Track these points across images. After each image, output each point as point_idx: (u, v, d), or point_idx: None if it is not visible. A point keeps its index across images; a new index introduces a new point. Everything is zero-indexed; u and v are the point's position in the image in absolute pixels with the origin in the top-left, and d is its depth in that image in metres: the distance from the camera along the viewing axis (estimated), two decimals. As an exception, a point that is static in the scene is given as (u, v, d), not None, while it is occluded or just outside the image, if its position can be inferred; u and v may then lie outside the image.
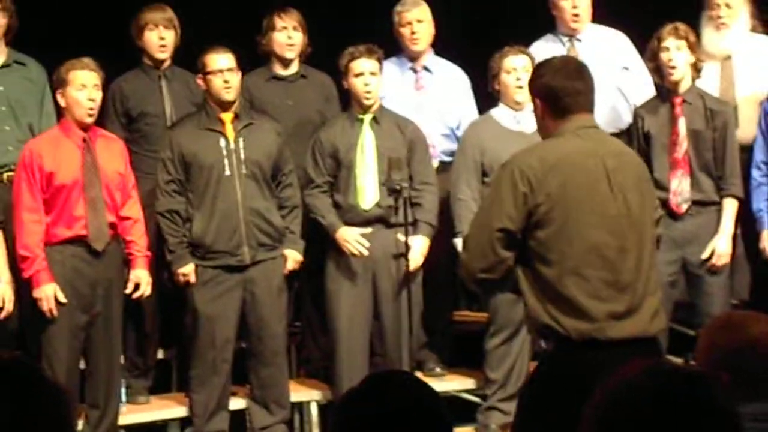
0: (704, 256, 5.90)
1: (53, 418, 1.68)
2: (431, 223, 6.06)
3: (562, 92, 3.85)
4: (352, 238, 5.97)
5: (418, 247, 5.98)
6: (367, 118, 6.05)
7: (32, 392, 1.65)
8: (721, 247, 5.90)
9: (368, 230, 5.98)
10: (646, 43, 6.16)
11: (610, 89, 6.22)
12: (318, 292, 6.26)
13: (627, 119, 6.30)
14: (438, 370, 6.42)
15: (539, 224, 3.76)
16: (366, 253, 5.95)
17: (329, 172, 6.07)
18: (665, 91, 6.02)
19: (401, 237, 5.85)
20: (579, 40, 6.42)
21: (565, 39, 6.44)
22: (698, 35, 6.11)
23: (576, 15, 6.40)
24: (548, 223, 3.76)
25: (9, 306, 5.56)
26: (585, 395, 2.08)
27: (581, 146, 3.84)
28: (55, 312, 5.55)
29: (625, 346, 3.72)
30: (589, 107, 3.93)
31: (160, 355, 6.42)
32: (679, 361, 6.26)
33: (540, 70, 4.01)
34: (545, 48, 6.28)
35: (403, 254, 5.83)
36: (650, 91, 6.23)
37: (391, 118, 6.11)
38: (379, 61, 6.02)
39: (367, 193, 5.99)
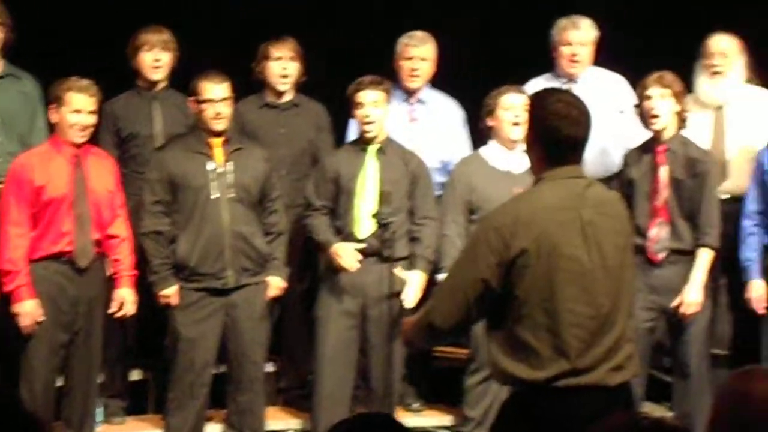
0: (674, 304, 5.83)
1: None
2: (429, 258, 5.98)
3: (563, 142, 3.72)
4: (345, 253, 5.90)
5: (416, 283, 5.90)
6: (373, 148, 6.02)
7: (9, 422, 1.63)
8: (690, 296, 5.82)
9: (362, 246, 5.89)
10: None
11: (603, 133, 6.19)
12: (305, 319, 6.23)
13: (617, 164, 6.27)
14: (416, 405, 6.39)
15: (514, 279, 3.65)
16: (357, 266, 5.88)
17: (329, 197, 6.04)
18: (649, 138, 5.99)
19: (399, 273, 5.75)
20: (576, 83, 6.39)
21: (563, 81, 6.43)
22: (690, 84, 6.13)
23: (574, 61, 6.40)
24: (523, 277, 3.64)
25: None
26: None
27: (558, 198, 3.70)
28: (33, 329, 5.52)
29: (596, 392, 3.63)
30: (581, 158, 3.80)
31: (136, 376, 6.40)
32: (659, 409, 6.25)
33: (544, 110, 3.76)
34: (543, 87, 6.21)
35: (399, 292, 5.76)
36: (644, 137, 6.21)
37: (397, 150, 6.08)
38: (387, 92, 5.99)
39: (363, 222, 5.95)
